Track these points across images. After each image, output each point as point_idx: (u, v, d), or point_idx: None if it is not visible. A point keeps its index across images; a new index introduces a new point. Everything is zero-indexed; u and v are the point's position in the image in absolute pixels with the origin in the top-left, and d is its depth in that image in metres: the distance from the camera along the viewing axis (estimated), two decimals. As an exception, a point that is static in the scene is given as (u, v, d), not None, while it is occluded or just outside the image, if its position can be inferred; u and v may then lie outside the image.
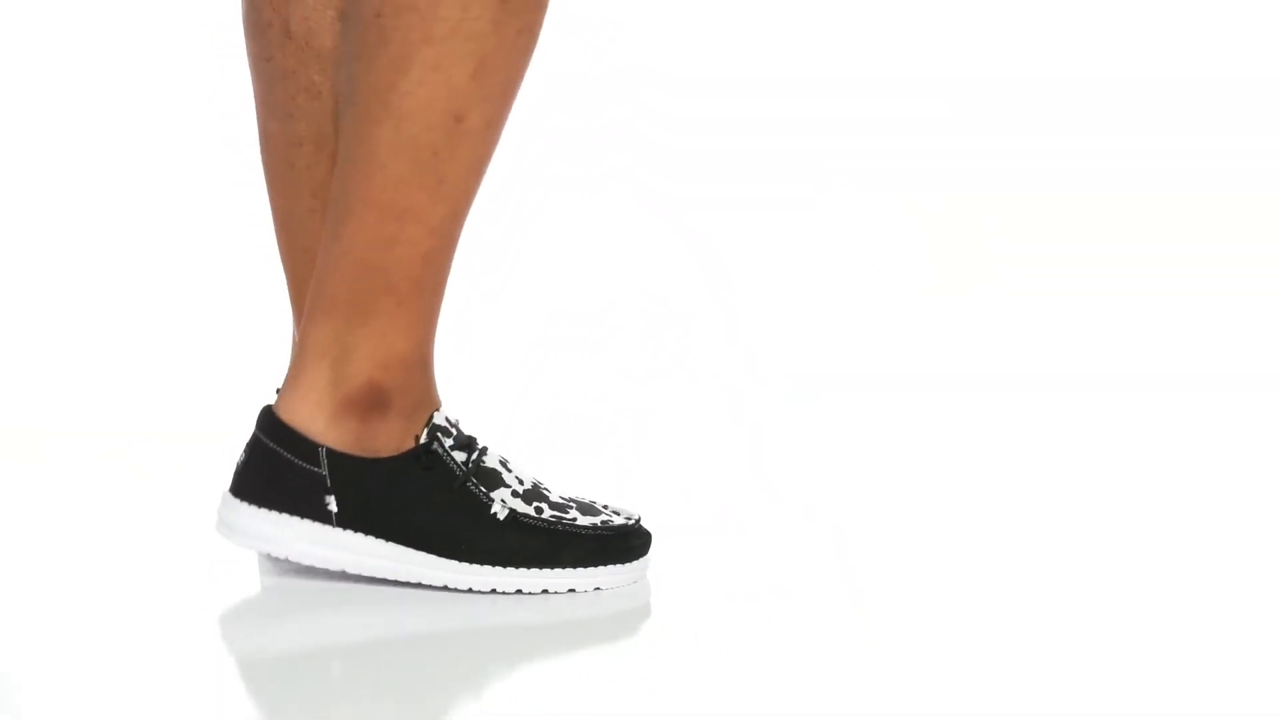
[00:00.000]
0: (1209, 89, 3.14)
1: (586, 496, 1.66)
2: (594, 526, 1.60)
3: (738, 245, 2.83)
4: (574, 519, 1.59)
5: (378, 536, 1.57)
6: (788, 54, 3.18)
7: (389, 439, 1.58)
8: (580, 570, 1.59)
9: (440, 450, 1.58)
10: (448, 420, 1.60)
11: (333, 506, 1.56)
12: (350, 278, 1.56)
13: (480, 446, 1.61)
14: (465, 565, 1.57)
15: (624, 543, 1.60)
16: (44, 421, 2.12)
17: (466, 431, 1.63)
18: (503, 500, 1.59)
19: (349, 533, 1.57)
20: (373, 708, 1.38)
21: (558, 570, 1.58)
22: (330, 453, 1.57)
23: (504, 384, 2.26)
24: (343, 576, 1.59)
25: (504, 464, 1.62)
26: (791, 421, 2.17)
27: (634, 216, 2.89)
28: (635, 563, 1.61)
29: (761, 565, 1.67)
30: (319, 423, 1.57)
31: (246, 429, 1.62)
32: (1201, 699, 1.41)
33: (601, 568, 1.59)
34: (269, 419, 1.59)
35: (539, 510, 1.59)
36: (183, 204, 2.88)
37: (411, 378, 1.58)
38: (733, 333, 2.54)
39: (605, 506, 1.63)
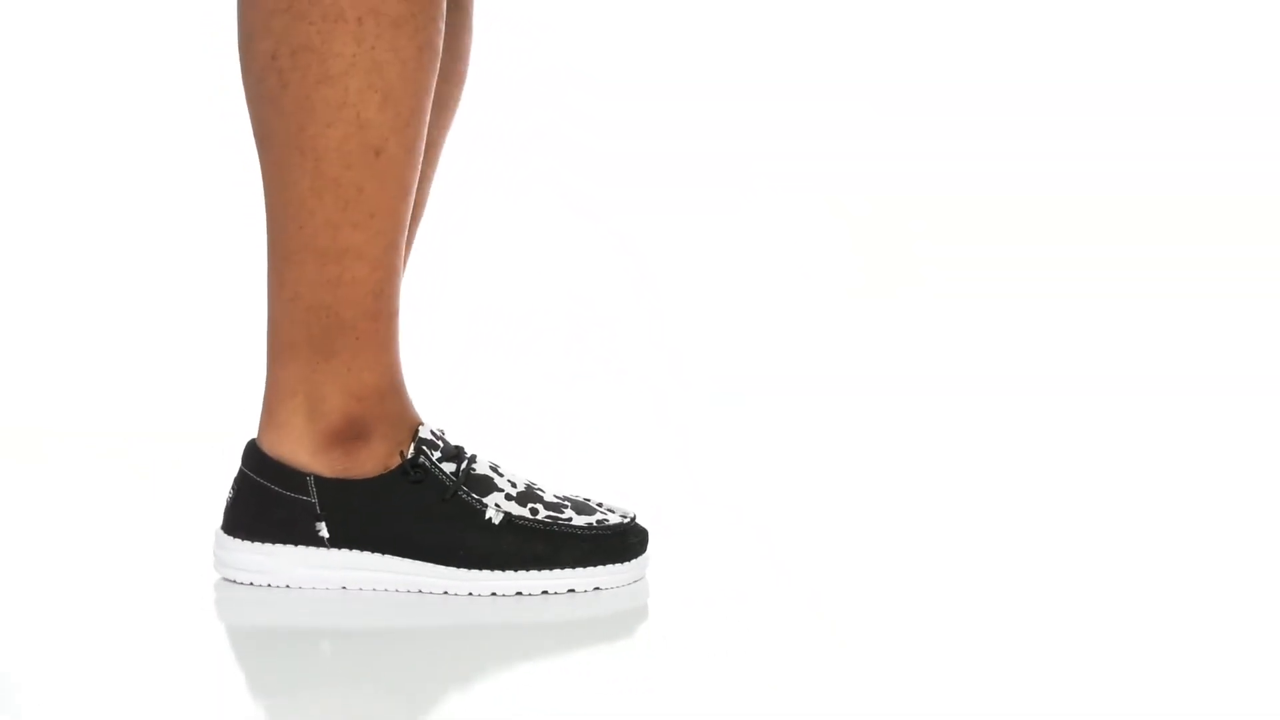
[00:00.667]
0: (1132, 90, 3.16)
1: (582, 495, 1.65)
2: (589, 526, 1.59)
3: (662, 247, 2.83)
4: (569, 519, 1.59)
5: (373, 551, 1.57)
6: (711, 57, 3.17)
7: (374, 461, 1.57)
8: (579, 570, 1.58)
9: (428, 463, 1.57)
10: (433, 433, 1.60)
11: (324, 532, 1.57)
12: (304, 322, 1.54)
13: (469, 455, 1.60)
14: (463, 571, 1.57)
15: (621, 541, 1.60)
16: (44, 421, 2.12)
17: (454, 442, 1.63)
18: (496, 504, 1.58)
19: (343, 551, 1.57)
20: (372, 708, 1.37)
21: (556, 571, 1.57)
22: (318, 479, 1.57)
23: (432, 387, 2.25)
24: (343, 592, 1.58)
25: (495, 469, 1.61)
26: (717, 424, 2.17)
27: (559, 219, 2.88)
28: (633, 561, 1.60)
29: (694, 567, 1.67)
30: (302, 455, 1.57)
31: (245, 429, 1.63)
32: (1165, 701, 1.40)
33: (600, 567, 1.59)
34: (254, 454, 1.58)
35: (534, 511, 1.58)
36: (182, 204, 2.87)
37: (385, 404, 1.58)
38: (659, 336, 2.54)
39: (600, 505, 1.62)
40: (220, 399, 2.14)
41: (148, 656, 1.44)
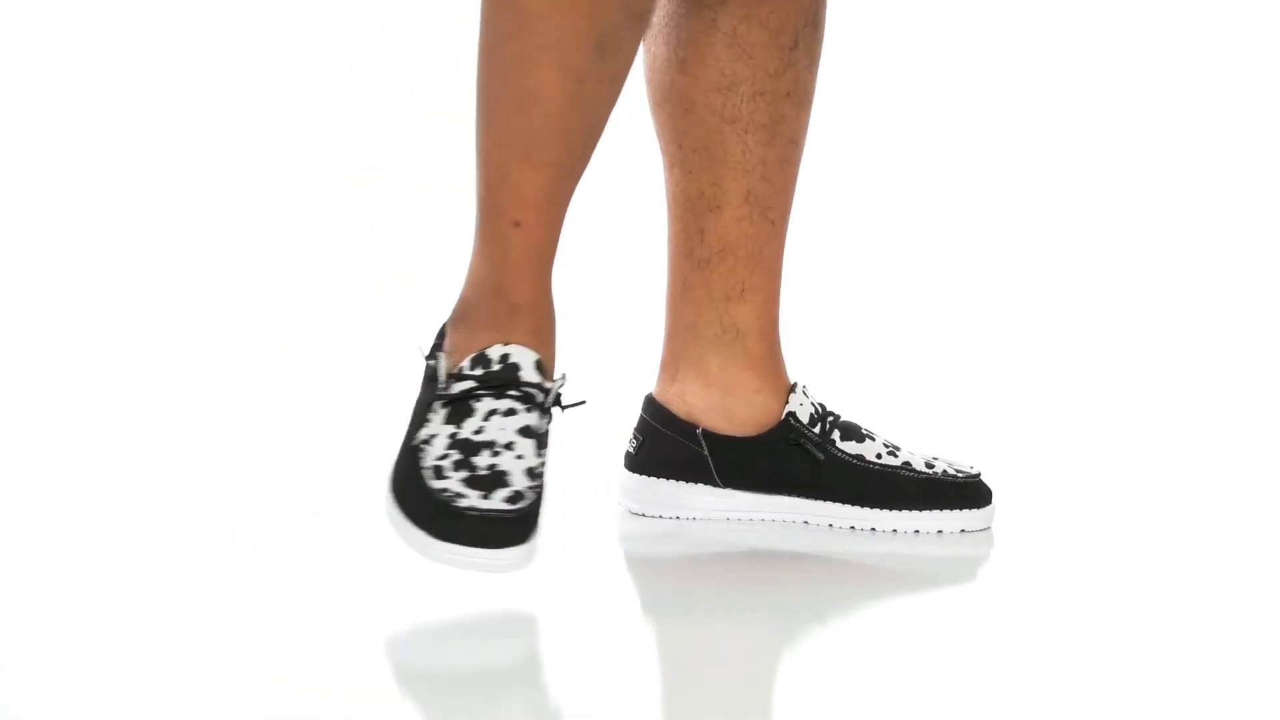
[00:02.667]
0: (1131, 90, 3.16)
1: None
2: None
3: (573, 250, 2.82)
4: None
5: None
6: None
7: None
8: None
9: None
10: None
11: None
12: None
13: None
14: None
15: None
16: (44, 421, 2.12)
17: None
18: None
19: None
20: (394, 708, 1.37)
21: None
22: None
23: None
24: (343, 582, 1.59)
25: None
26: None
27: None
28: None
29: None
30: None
31: (247, 429, 1.60)
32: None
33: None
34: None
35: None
36: (180, 205, 2.88)
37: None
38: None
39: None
40: (220, 399, 2.16)
41: (147, 656, 1.44)
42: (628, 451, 1.80)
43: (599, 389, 2.22)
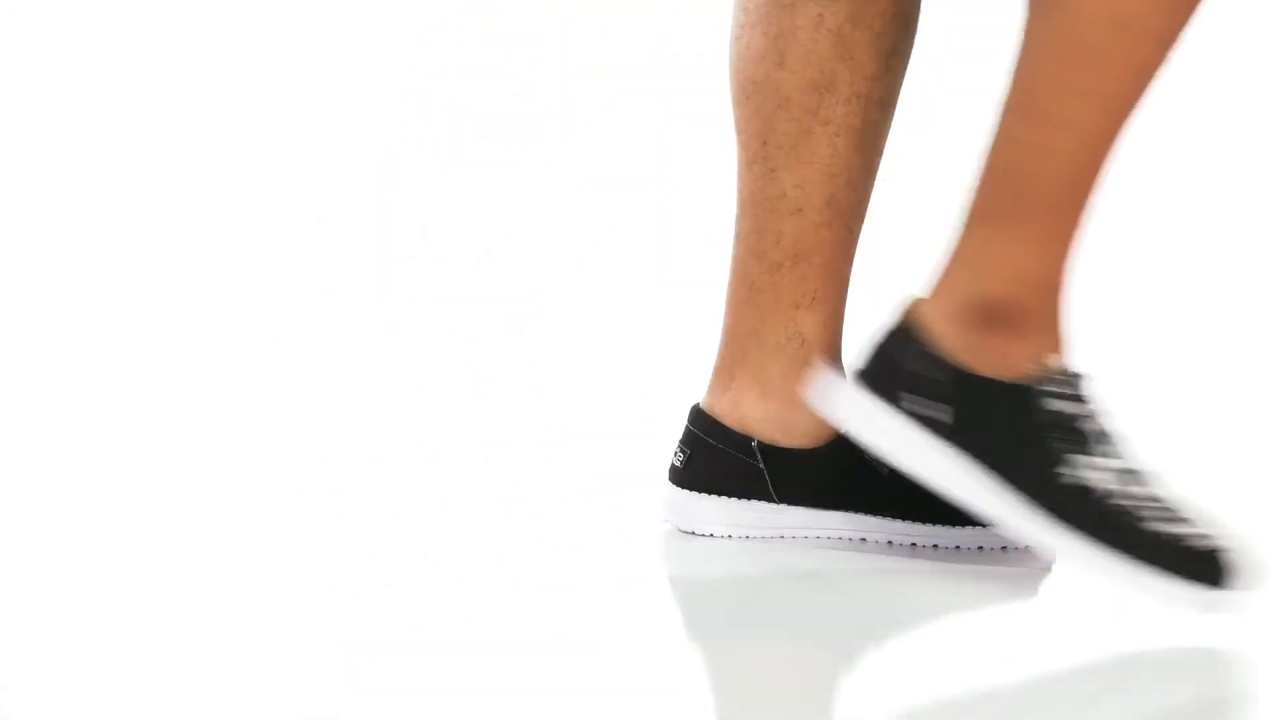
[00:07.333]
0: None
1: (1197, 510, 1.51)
2: (1166, 535, 1.47)
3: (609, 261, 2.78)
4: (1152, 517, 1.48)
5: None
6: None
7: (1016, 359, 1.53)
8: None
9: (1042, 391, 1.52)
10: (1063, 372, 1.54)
11: (947, 418, 1.53)
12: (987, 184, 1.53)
13: (1091, 408, 1.52)
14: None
15: (1206, 563, 1.46)
16: (44, 421, 2.12)
17: (1086, 389, 1.54)
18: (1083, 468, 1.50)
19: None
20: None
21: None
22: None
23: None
24: (351, 578, 1.57)
25: (1109, 436, 1.52)
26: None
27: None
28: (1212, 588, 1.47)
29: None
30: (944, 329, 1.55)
31: (246, 429, 1.66)
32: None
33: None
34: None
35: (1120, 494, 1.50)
36: (181, 205, 2.90)
37: (1039, 299, 1.52)
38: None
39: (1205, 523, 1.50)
40: (219, 399, 2.17)
41: (147, 657, 1.39)
42: (674, 465, 1.72)
43: (639, 400, 2.16)
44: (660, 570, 1.68)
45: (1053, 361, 1.52)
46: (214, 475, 1.91)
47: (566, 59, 3.23)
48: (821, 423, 1.66)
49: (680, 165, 3.00)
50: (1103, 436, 1.51)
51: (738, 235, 1.70)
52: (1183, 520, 1.47)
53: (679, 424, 1.74)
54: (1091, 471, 1.49)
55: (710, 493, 1.70)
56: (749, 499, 1.69)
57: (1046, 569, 1.63)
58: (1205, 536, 1.46)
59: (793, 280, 1.68)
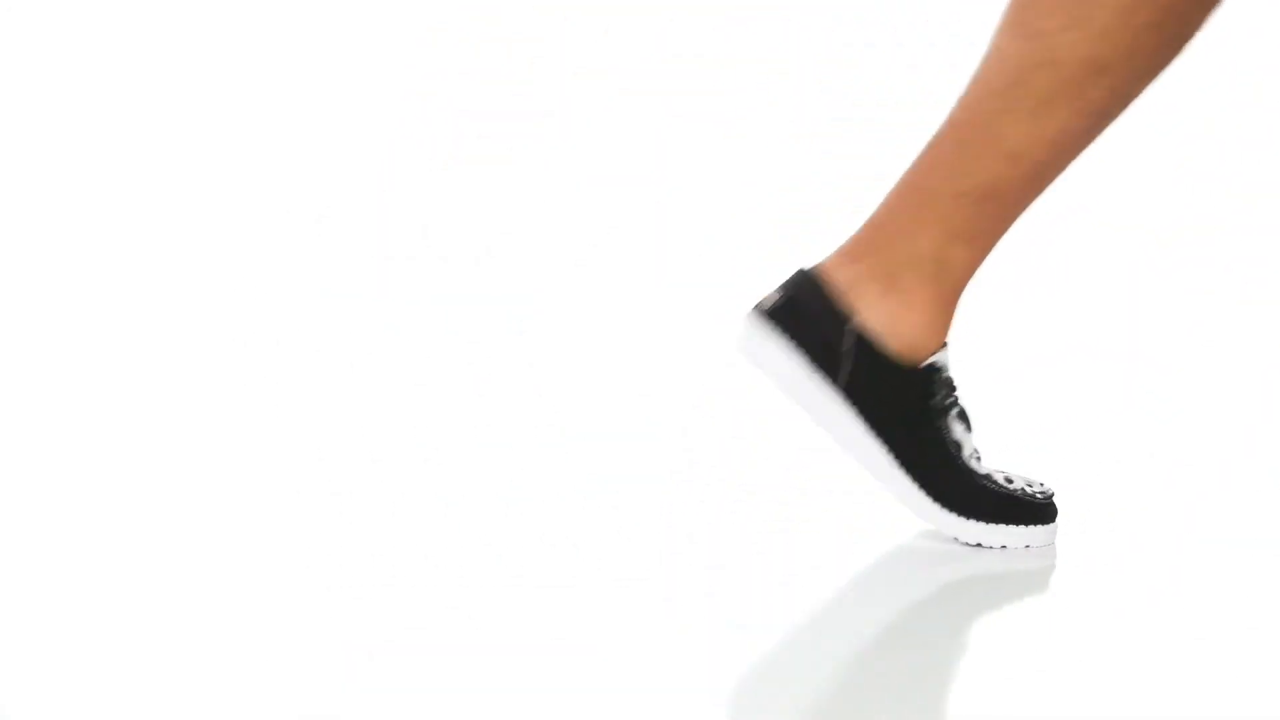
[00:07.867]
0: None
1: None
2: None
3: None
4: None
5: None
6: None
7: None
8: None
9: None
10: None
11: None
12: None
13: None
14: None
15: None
16: (44, 421, 2.11)
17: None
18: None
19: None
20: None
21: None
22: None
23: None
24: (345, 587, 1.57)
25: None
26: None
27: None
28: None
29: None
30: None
31: (246, 429, 1.66)
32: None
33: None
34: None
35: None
36: (181, 204, 2.88)
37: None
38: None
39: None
40: (220, 399, 2.16)
41: (147, 657, 1.38)
42: (763, 301, 1.71)
43: (639, 400, 2.16)
44: (660, 570, 1.68)
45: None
46: (214, 475, 1.90)
47: (566, 59, 3.23)
48: (918, 346, 1.68)
49: (680, 165, 3.00)
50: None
51: (948, 143, 1.68)
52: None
53: (679, 424, 1.74)
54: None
55: (791, 337, 1.69)
56: (818, 369, 1.69)
57: (1051, 565, 1.65)
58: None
59: (970, 214, 1.67)
